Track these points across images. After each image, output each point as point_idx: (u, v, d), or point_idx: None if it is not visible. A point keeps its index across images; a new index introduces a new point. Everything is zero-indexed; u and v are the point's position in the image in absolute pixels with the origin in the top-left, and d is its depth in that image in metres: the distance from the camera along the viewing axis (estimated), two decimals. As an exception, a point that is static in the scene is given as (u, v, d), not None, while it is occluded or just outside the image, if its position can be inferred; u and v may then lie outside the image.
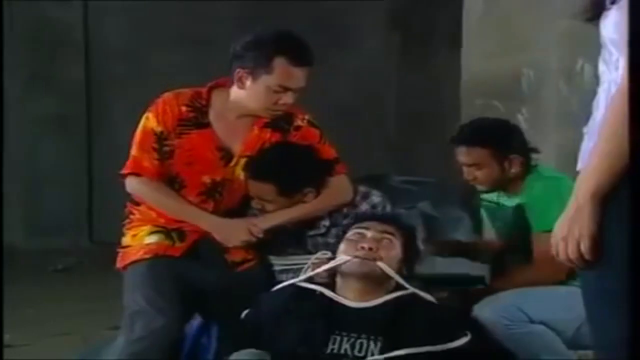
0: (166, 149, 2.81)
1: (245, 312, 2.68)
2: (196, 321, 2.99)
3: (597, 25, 1.77)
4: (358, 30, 7.40)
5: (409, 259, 2.70)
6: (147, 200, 2.87)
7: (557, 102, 3.98)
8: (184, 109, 2.82)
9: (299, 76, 2.75)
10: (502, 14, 4.26)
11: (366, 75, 7.41)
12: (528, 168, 3.02)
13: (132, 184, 2.86)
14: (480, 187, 3.05)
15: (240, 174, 2.88)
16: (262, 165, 2.86)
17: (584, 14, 1.82)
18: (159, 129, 2.80)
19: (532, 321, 2.75)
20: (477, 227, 3.29)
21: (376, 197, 3.07)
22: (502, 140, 3.01)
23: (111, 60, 7.06)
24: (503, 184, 3.02)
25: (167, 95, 2.86)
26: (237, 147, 2.87)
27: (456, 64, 4.66)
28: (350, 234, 2.69)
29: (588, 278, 1.78)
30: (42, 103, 6.87)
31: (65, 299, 4.99)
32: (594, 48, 4.06)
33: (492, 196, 3.14)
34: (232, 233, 2.83)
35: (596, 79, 4.07)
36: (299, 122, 2.93)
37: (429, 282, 2.82)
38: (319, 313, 2.55)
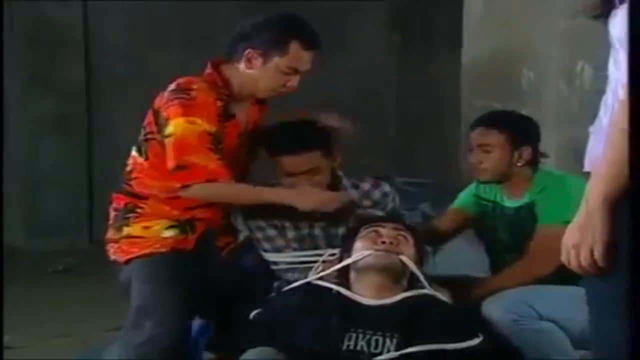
0: (220, 146, 2.75)
1: (256, 311, 2.71)
2: (197, 322, 3.00)
3: (604, 24, 1.75)
4: (358, 30, 7.40)
5: (420, 258, 2.77)
6: (227, 200, 2.83)
7: (557, 103, 3.98)
8: (219, 104, 2.78)
9: (308, 59, 2.79)
10: (502, 15, 4.26)
11: (366, 75, 7.41)
12: (534, 168, 3.02)
13: (203, 191, 2.74)
14: (481, 175, 3.05)
15: (243, 153, 2.90)
16: (301, 134, 2.90)
17: (592, 11, 1.80)
18: (213, 129, 2.72)
19: (541, 318, 2.76)
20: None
21: (386, 187, 3.15)
22: (521, 129, 3.03)
23: (111, 60, 7.05)
24: (505, 176, 3.02)
25: (197, 94, 2.73)
26: (246, 128, 2.89)
27: (456, 64, 4.66)
28: (364, 232, 2.74)
29: (594, 284, 1.76)
30: (42, 103, 6.86)
31: (65, 300, 4.98)
32: (594, 49, 4.09)
33: (490, 194, 3.14)
34: (311, 198, 2.82)
35: (596, 80, 4.09)
36: None
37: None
38: (334, 310, 2.60)
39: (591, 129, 1.82)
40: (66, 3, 6.94)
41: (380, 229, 2.74)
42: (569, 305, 2.76)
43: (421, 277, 2.68)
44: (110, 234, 2.88)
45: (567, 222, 2.78)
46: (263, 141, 2.95)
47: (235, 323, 2.78)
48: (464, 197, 3.24)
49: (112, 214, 2.90)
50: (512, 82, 4.20)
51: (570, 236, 1.72)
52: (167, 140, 2.72)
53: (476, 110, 4.06)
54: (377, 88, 7.46)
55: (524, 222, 2.99)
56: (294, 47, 2.75)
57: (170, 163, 2.72)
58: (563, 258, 1.74)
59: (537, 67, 4.12)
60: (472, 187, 3.21)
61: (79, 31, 7.02)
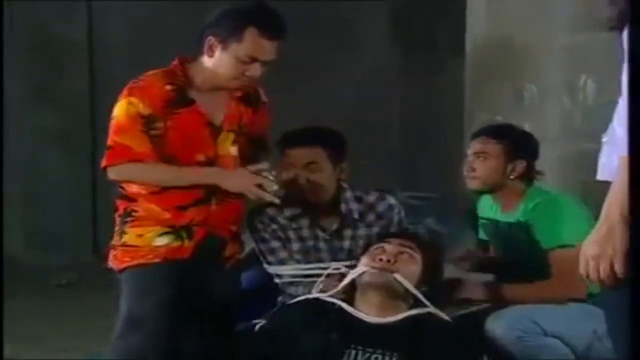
0: (154, 132, 2.74)
1: (260, 324, 2.70)
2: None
3: (619, 35, 1.75)
4: (362, 40, 7.40)
5: (429, 276, 2.71)
6: (149, 181, 2.78)
7: (560, 116, 3.98)
8: (168, 87, 2.77)
9: (268, 48, 2.74)
10: (504, 28, 4.26)
11: (370, 85, 7.40)
12: (527, 183, 3.04)
13: (126, 172, 2.75)
14: (472, 183, 3.05)
15: (230, 149, 2.85)
16: (309, 131, 3.05)
17: (607, 23, 1.80)
18: (147, 111, 2.73)
19: (545, 334, 2.75)
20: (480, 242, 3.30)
21: (391, 199, 3.17)
22: (519, 143, 3.05)
23: (115, 71, 7.05)
24: (496, 187, 3.03)
25: (145, 78, 2.80)
26: (220, 121, 2.84)
27: (459, 77, 4.66)
28: (372, 248, 2.73)
29: (611, 293, 1.75)
30: (45, 115, 6.86)
31: (68, 315, 4.98)
32: (596, 62, 4.07)
33: (490, 212, 3.15)
34: (239, 180, 2.78)
35: (599, 93, 4.08)
36: (263, 99, 2.97)
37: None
38: (335, 326, 2.59)
39: (604, 139, 1.81)
40: (70, 15, 6.97)
41: (386, 246, 2.72)
42: (573, 321, 2.76)
43: (419, 296, 2.64)
44: (114, 240, 2.87)
45: (565, 245, 2.83)
46: (278, 141, 3.04)
47: (236, 336, 2.78)
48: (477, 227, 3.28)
49: (117, 220, 2.89)
50: (515, 96, 4.20)
51: (589, 248, 1.71)
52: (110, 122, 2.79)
53: (479, 124, 4.06)
54: (381, 99, 7.46)
55: (517, 239, 2.99)
56: (250, 34, 2.71)
57: (106, 143, 2.77)
58: (581, 270, 1.73)
59: (540, 81, 4.12)
60: (477, 214, 3.24)
61: (83, 42, 7.04)
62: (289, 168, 2.99)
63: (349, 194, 3.11)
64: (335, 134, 3.09)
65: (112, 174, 2.77)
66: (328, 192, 3.05)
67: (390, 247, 2.71)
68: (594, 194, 3.42)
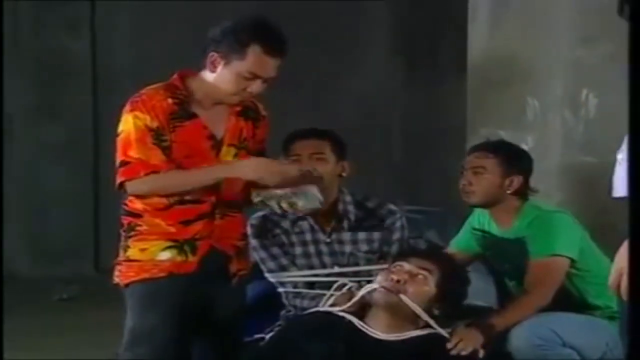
0: (164, 144, 2.74)
1: (269, 335, 2.71)
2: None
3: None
4: (364, 52, 7.42)
5: (443, 298, 2.69)
6: (168, 190, 2.76)
7: (561, 130, 3.98)
8: (170, 101, 2.77)
9: (271, 66, 2.75)
10: (506, 43, 4.27)
11: (371, 97, 7.42)
12: (523, 199, 3.05)
13: (143, 185, 2.73)
14: (469, 197, 3.06)
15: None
16: (314, 128, 3.17)
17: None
18: (154, 124, 2.73)
19: (564, 344, 2.75)
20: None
21: (392, 205, 3.22)
22: (515, 158, 3.06)
23: (118, 84, 7.06)
24: (493, 202, 3.04)
25: (146, 92, 2.80)
26: (221, 135, 2.84)
27: (461, 90, 4.67)
28: (392, 265, 2.73)
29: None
30: (48, 129, 6.88)
31: (70, 328, 4.98)
32: (598, 77, 4.07)
33: (483, 223, 3.15)
34: (254, 166, 2.77)
35: (600, 107, 4.06)
36: (262, 112, 2.97)
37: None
38: (343, 340, 2.59)
39: (619, 156, 1.78)
40: (74, 29, 6.99)
41: (405, 265, 2.70)
42: (588, 333, 2.77)
43: (425, 317, 2.62)
44: (119, 256, 2.87)
45: (555, 255, 2.84)
46: (285, 140, 3.12)
47: (243, 349, 2.80)
48: (462, 237, 3.25)
49: (121, 235, 2.88)
50: (517, 111, 4.21)
51: (624, 264, 1.69)
52: (117, 138, 2.78)
53: (481, 139, 4.06)
54: (382, 111, 7.47)
55: (518, 253, 2.99)
56: (254, 51, 2.72)
57: (118, 159, 2.76)
58: (611, 281, 1.71)
59: (542, 96, 4.13)
60: (467, 223, 3.23)
61: (87, 55, 7.06)
62: (295, 161, 3.03)
63: (348, 198, 3.15)
64: (337, 135, 3.20)
65: (130, 188, 2.76)
66: (330, 190, 3.07)
67: (407, 266, 2.69)
68: (594, 206, 3.43)
